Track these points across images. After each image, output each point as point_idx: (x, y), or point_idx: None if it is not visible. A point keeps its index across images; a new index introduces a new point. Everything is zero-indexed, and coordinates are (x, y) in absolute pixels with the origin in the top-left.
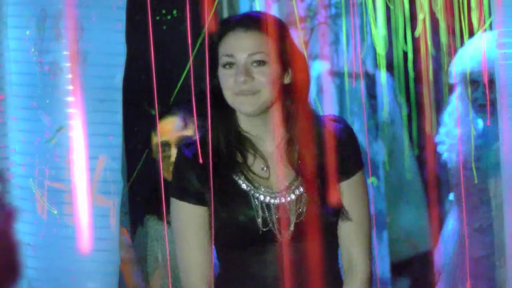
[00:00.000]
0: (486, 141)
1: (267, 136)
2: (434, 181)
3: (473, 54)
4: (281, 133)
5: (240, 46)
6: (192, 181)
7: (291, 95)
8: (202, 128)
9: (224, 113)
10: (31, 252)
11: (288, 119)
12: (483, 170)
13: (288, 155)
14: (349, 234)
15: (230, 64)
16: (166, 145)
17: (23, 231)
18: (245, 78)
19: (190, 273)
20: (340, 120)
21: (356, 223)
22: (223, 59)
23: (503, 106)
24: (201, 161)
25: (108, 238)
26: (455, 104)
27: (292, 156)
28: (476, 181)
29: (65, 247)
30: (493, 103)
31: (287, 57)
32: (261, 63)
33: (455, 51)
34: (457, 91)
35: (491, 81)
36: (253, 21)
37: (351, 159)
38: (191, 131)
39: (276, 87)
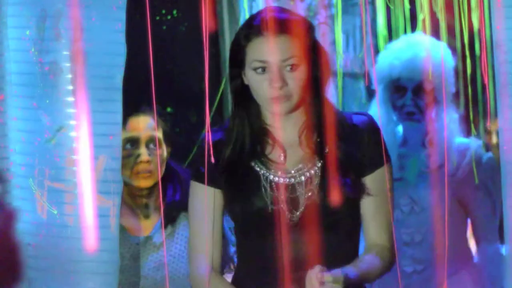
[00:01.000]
0: (409, 150)
1: (288, 126)
2: None
3: (401, 59)
4: (303, 123)
5: (272, 52)
6: (209, 165)
7: (316, 90)
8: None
9: (246, 110)
10: (31, 252)
11: (309, 110)
12: (407, 180)
13: (307, 141)
14: (368, 212)
15: (263, 68)
16: (134, 142)
17: (23, 231)
18: (281, 84)
19: (195, 253)
20: (365, 114)
21: (375, 210)
22: (254, 64)
23: (503, 106)
24: (213, 160)
25: (108, 238)
26: (376, 110)
27: (311, 142)
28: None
29: (65, 247)
30: (422, 110)
31: (315, 56)
32: (294, 67)
33: (455, 51)
34: (379, 96)
35: (420, 88)
36: (281, 25)
37: (373, 152)
38: (160, 133)
39: (306, 88)
